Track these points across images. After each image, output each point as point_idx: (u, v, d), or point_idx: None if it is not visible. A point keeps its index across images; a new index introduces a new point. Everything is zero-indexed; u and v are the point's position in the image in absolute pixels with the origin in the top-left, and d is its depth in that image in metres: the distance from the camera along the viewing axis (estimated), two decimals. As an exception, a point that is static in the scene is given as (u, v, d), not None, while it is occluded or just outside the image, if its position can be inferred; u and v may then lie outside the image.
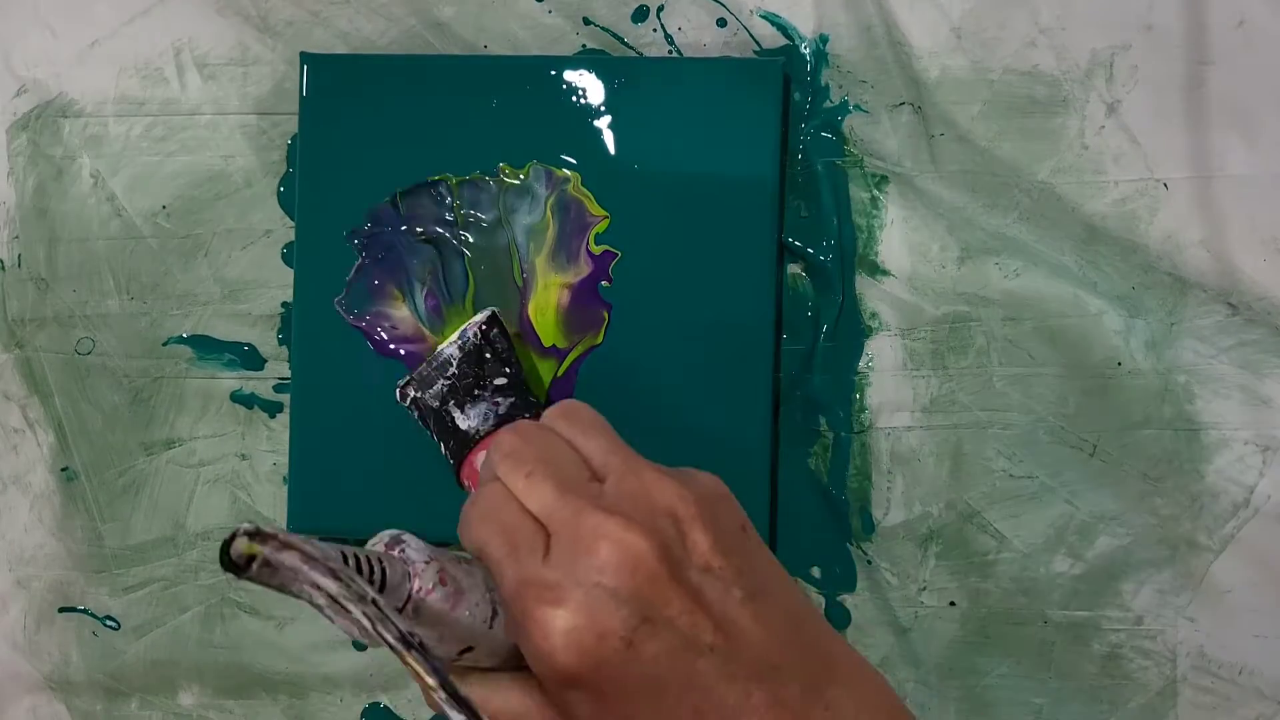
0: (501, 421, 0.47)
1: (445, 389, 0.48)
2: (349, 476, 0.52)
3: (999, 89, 0.51)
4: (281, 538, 0.26)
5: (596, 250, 0.51)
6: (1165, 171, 0.50)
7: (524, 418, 0.48)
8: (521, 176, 0.52)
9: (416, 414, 0.49)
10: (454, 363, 0.48)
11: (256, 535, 0.26)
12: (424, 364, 0.48)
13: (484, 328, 0.48)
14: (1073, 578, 0.51)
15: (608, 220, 0.51)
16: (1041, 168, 0.51)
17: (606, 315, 0.51)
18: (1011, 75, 0.51)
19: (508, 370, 0.48)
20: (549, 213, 0.51)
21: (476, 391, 0.48)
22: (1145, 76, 0.50)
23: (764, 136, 0.50)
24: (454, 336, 0.48)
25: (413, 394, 0.49)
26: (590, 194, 0.51)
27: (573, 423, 0.35)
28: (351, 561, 0.29)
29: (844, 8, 0.52)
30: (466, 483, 0.49)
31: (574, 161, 0.52)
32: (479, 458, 0.47)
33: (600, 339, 0.51)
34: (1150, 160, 0.50)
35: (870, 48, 0.52)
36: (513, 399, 0.48)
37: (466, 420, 0.48)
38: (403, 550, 0.32)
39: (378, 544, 0.32)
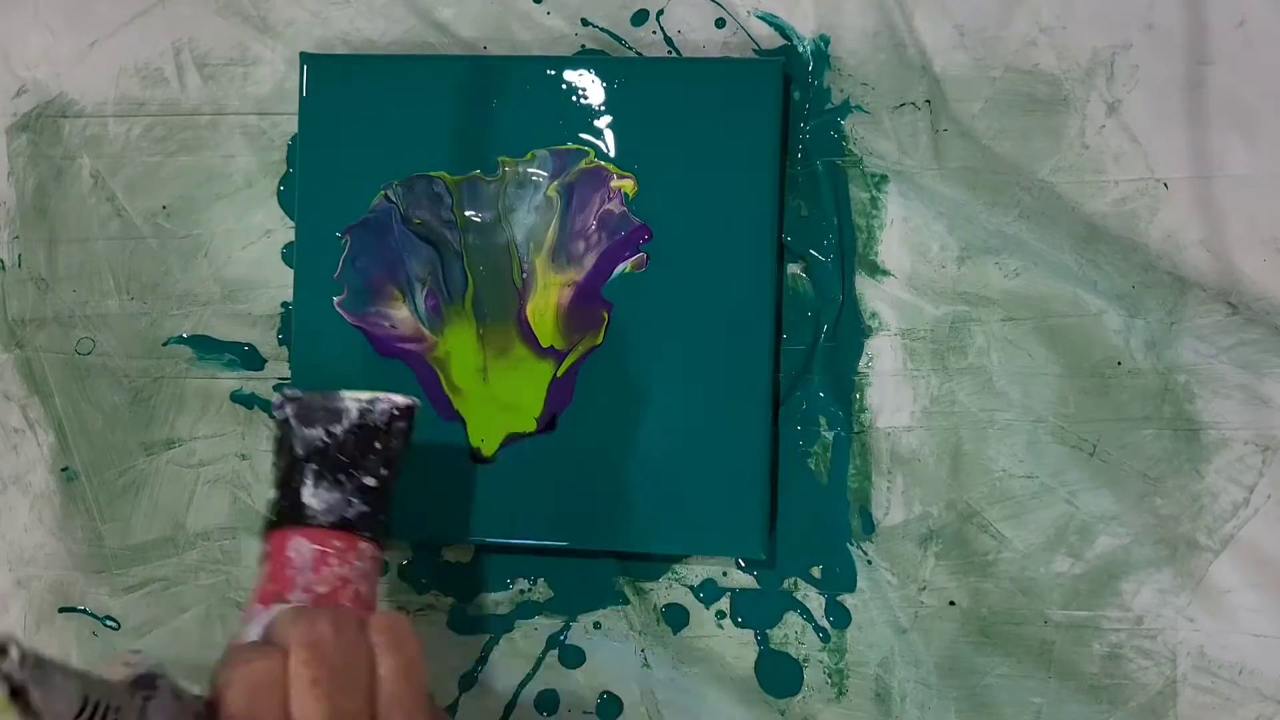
0: (342, 524, 0.42)
1: (317, 444, 0.43)
2: (349, 476, 0.52)
3: (1000, 87, 0.51)
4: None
5: (628, 213, 0.51)
6: (1165, 171, 0.50)
7: (363, 538, 0.42)
8: (526, 159, 0.51)
9: (277, 433, 0.44)
10: (345, 421, 0.43)
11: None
12: (317, 395, 0.43)
13: (397, 412, 0.44)
14: (1073, 578, 0.51)
15: (634, 182, 0.51)
16: (1042, 166, 0.51)
17: (606, 315, 0.51)
18: (1013, 74, 0.51)
19: (384, 474, 0.43)
20: (553, 193, 0.51)
21: (340, 476, 0.42)
22: (1145, 76, 0.50)
23: (763, 137, 0.50)
24: (364, 395, 0.43)
25: (289, 414, 0.43)
26: (609, 163, 0.51)
27: (394, 654, 0.36)
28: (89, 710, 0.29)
29: (844, 7, 0.52)
30: (266, 548, 0.42)
31: (574, 161, 0.52)
32: (293, 543, 0.41)
33: (600, 339, 0.51)
34: (1150, 160, 0.50)
35: (874, 50, 0.52)
36: (366, 509, 0.43)
37: (312, 496, 0.42)
38: (148, 700, 0.31)
39: (125, 671, 0.31)
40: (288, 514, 0.42)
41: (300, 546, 0.41)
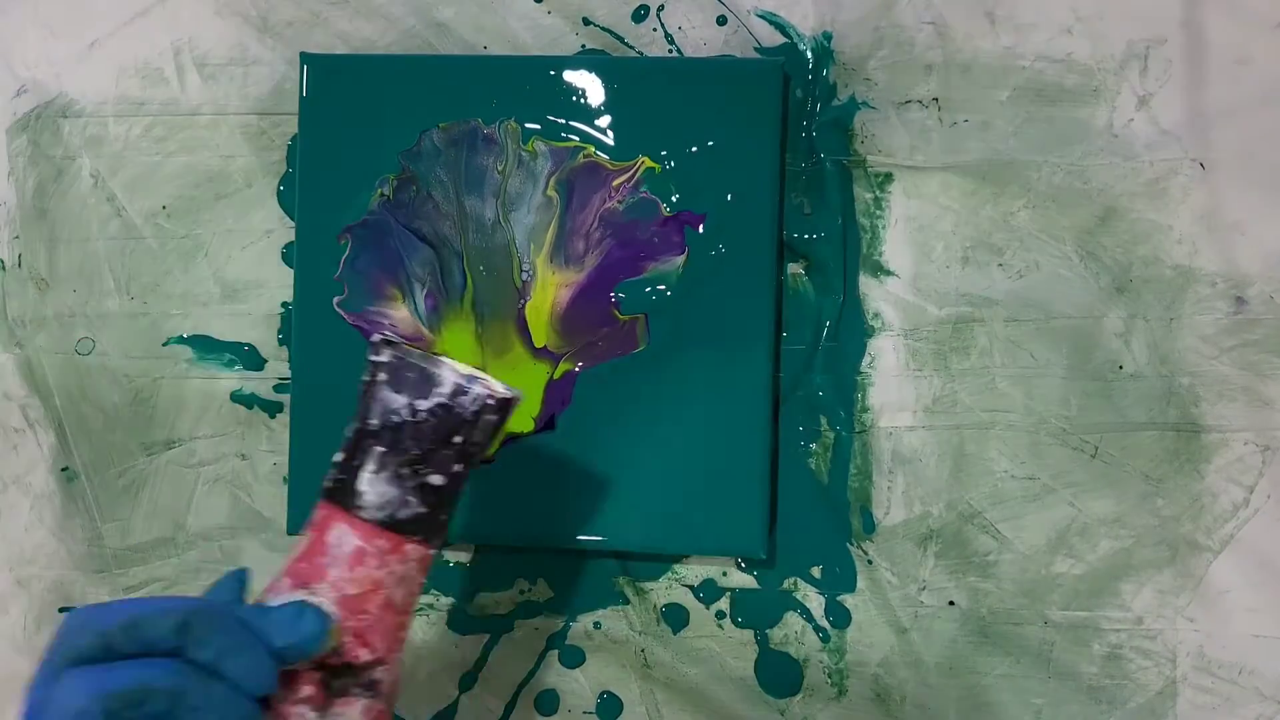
0: (391, 523, 0.37)
1: (393, 419, 0.38)
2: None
3: (1029, 76, 0.51)
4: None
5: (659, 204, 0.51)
6: (1199, 153, 0.50)
7: (411, 540, 0.38)
8: (527, 148, 0.51)
9: (364, 379, 0.39)
10: (433, 398, 0.38)
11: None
12: (418, 355, 0.38)
13: (490, 401, 0.38)
14: (1073, 578, 0.51)
15: (648, 165, 0.51)
16: (1071, 151, 0.50)
17: (615, 312, 0.51)
18: (1044, 62, 0.51)
19: (455, 470, 0.38)
20: (552, 191, 0.51)
21: (404, 470, 0.38)
22: (1179, 72, 0.50)
23: (764, 136, 0.50)
24: (464, 371, 0.38)
25: (382, 362, 0.39)
26: (606, 156, 0.51)
27: None
28: None
29: (844, 3, 0.52)
30: (313, 518, 0.38)
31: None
32: (335, 530, 0.38)
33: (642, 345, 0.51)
34: (1179, 149, 0.50)
35: (875, 46, 0.52)
36: (423, 511, 0.38)
37: (369, 484, 0.38)
38: None
39: None
40: (338, 493, 0.38)
41: (342, 537, 0.37)
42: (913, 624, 0.52)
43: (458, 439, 0.38)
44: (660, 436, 0.51)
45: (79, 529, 0.56)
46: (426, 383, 0.38)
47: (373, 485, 0.38)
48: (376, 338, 0.39)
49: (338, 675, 0.37)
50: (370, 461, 0.38)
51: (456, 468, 0.38)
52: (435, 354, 0.39)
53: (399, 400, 0.38)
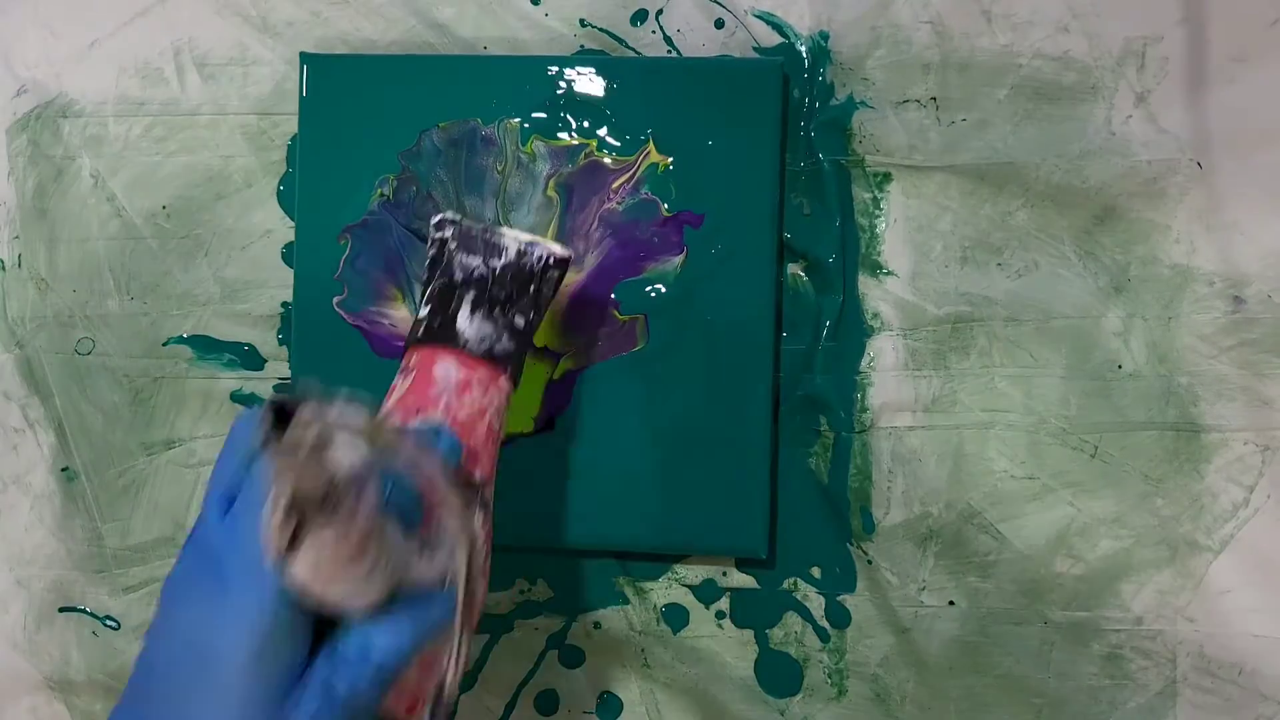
0: (490, 357, 0.43)
1: (477, 273, 0.44)
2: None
3: (1027, 74, 0.51)
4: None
5: (661, 206, 0.51)
6: (1197, 154, 0.50)
7: (504, 374, 0.43)
8: (526, 149, 0.51)
9: (432, 251, 0.45)
10: (504, 257, 0.44)
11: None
12: (480, 226, 0.44)
13: (551, 260, 0.44)
14: (1073, 578, 0.51)
15: (663, 163, 0.51)
16: (1070, 149, 0.50)
17: (616, 313, 0.51)
18: (1041, 60, 0.51)
19: (531, 317, 0.44)
20: (552, 192, 0.51)
21: (495, 311, 0.43)
22: (1176, 69, 0.50)
23: (763, 136, 0.50)
24: (523, 236, 0.44)
25: (447, 237, 0.44)
26: (610, 154, 0.51)
27: None
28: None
29: (840, 3, 0.52)
30: (408, 362, 0.43)
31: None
32: (441, 363, 0.42)
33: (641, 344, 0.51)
34: (1177, 147, 0.50)
35: (873, 45, 0.52)
36: (512, 347, 0.44)
37: (467, 322, 0.43)
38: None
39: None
40: (437, 334, 0.43)
41: (448, 369, 0.42)
42: (913, 624, 0.52)
43: (531, 288, 0.44)
44: (660, 436, 0.51)
45: (79, 529, 0.56)
46: (493, 247, 0.44)
47: (471, 323, 0.43)
48: (438, 217, 0.45)
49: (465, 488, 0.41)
50: (465, 306, 0.43)
51: (532, 315, 0.44)
52: (491, 225, 0.45)
53: (474, 260, 0.44)
